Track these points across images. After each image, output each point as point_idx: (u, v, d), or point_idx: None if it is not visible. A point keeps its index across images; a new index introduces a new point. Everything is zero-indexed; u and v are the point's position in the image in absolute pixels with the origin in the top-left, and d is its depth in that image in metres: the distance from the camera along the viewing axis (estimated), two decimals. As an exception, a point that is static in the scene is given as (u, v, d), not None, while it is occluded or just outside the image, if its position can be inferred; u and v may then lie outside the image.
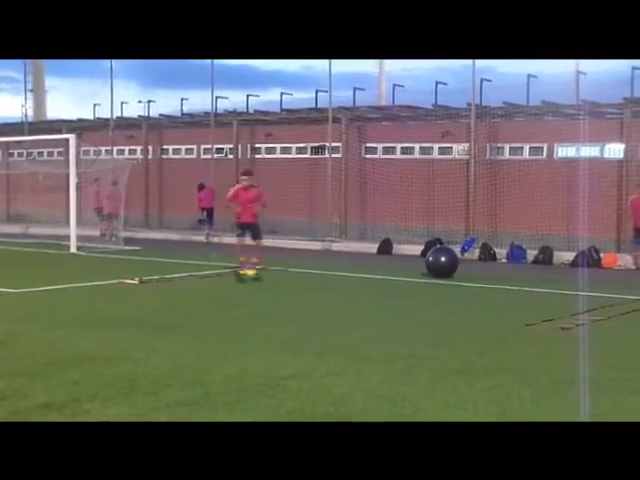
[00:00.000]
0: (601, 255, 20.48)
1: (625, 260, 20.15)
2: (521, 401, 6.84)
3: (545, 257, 20.90)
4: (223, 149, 29.41)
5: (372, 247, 23.51)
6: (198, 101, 33.73)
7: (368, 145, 26.95)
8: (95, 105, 32.82)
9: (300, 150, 28.15)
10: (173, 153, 31.37)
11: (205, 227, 26.22)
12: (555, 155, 24.08)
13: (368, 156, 26.86)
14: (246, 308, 12.34)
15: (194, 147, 30.66)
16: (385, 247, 23.25)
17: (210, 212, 26.06)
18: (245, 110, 29.29)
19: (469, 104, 24.03)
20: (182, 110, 30.96)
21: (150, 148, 31.55)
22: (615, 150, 23.10)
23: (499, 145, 24.78)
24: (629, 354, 9.10)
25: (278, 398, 6.94)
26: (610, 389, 7.31)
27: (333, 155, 26.42)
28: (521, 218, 23.22)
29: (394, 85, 28.18)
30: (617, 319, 11.43)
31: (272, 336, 9.93)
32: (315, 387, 7.35)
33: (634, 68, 22.45)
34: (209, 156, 29.15)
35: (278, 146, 28.69)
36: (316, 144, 27.40)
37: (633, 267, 19.64)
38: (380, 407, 6.69)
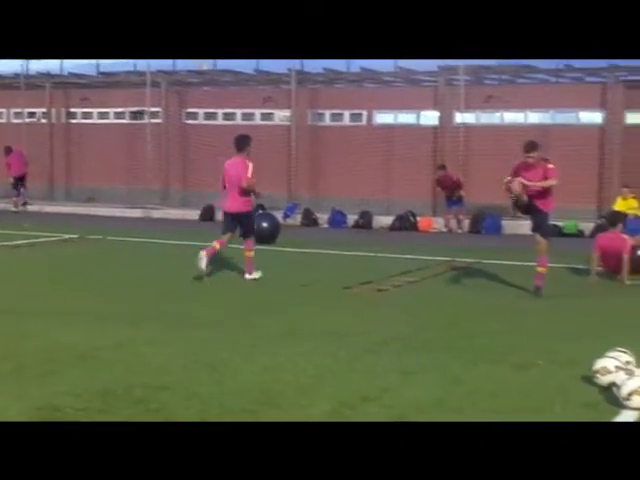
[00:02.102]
0: (418, 219, 21.18)
1: (440, 223, 20.95)
2: (337, 362, 6.93)
3: (365, 221, 21.38)
4: (35, 113, 28.07)
5: (194, 214, 23.23)
6: (7, 62, 31.77)
7: (189, 110, 26.52)
8: None
9: (118, 115, 27.31)
10: (-19, 117, 29.65)
11: (16, 194, 24.70)
12: (374, 121, 24.60)
13: (189, 121, 26.46)
14: (60, 279, 11.84)
15: (4, 111, 29.08)
16: (208, 214, 23.02)
17: (21, 179, 24.56)
18: (59, 72, 28.01)
19: (290, 69, 24.08)
20: (-10, 71, 29.27)
21: (-45, 111, 29.65)
22: (430, 117, 23.89)
23: (320, 111, 25.03)
24: (440, 313, 9.43)
25: (93, 370, 6.70)
26: (423, 347, 7.54)
27: (153, 120, 25.82)
28: (342, 184, 23.62)
29: (215, 49, 27.80)
30: (430, 280, 11.84)
31: (87, 307, 9.58)
32: (132, 357, 7.15)
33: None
34: (20, 120, 27.74)
35: (95, 111, 27.67)
36: (135, 109, 26.67)
37: (445, 229, 20.46)
38: (198, 374, 6.60)
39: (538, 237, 10.70)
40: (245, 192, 11.76)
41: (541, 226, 10.73)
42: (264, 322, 8.69)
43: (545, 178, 10.34)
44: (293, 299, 10.29)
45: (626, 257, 11.57)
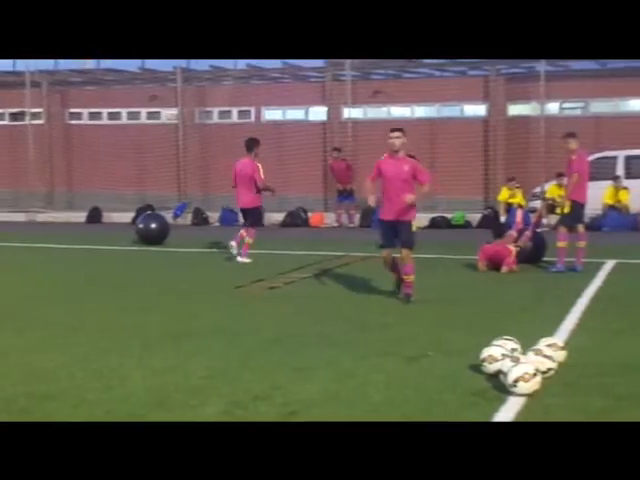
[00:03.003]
0: (309, 214, 21.22)
1: (331, 218, 21.06)
2: (229, 361, 6.84)
3: (256, 219, 21.25)
4: None
5: (81, 216, 22.69)
6: None
7: (72, 110, 25.88)
8: None
9: (-3, 116, 26.45)
10: None
11: None
12: (262, 118, 24.54)
13: (73, 122, 25.82)
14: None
15: None
16: (94, 216, 22.54)
17: None
18: None
19: (175, 67, 23.78)
20: None
21: None
22: (319, 112, 23.99)
23: (208, 109, 24.81)
24: (332, 308, 9.42)
25: (-29, 383, 6.40)
26: (315, 343, 7.52)
27: (34, 122, 25.07)
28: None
29: (97, 47, 27.19)
30: (322, 276, 11.85)
31: (-33, 316, 9.18)
32: (15, 366, 6.87)
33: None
34: None
35: (-28, 113, 26.73)
36: (15, 110, 25.84)
37: (336, 224, 20.58)
38: (86, 381, 6.39)
39: (403, 249, 9.56)
40: (255, 189, 13.26)
41: (409, 238, 9.56)
42: (154, 324, 8.50)
43: (413, 176, 9.47)
44: (183, 299, 10.12)
45: (506, 268, 11.83)
